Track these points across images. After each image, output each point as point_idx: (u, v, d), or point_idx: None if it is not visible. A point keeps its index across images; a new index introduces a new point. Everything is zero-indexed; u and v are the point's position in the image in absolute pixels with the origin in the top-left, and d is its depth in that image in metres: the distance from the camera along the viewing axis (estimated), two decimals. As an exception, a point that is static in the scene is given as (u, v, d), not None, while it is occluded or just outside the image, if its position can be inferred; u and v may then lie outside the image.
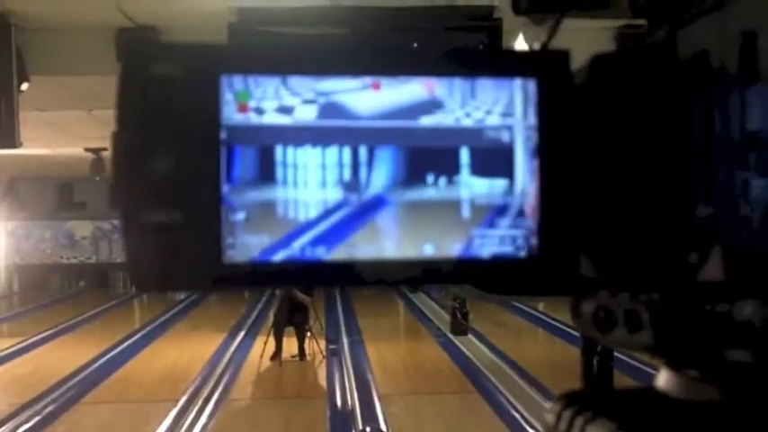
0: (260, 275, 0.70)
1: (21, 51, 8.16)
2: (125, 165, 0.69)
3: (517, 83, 0.74)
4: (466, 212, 0.73)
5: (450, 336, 14.04)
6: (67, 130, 14.36)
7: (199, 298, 21.44)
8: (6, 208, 23.10)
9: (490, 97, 0.74)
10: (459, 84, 0.73)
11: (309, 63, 0.72)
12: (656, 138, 0.71)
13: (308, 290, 12.63)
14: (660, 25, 0.75)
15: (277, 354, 12.21)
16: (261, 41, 0.84)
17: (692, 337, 0.66)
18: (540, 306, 16.95)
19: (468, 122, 0.73)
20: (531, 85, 0.74)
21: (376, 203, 0.72)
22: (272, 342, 12.27)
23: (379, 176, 0.72)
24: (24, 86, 8.17)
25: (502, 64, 0.75)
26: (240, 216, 0.70)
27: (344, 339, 13.85)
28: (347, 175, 0.72)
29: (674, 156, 0.71)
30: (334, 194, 0.71)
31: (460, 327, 14.22)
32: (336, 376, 11.42)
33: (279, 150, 0.71)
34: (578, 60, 0.77)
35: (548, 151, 0.73)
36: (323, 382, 11.42)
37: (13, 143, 7.84)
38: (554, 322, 14.94)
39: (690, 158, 0.70)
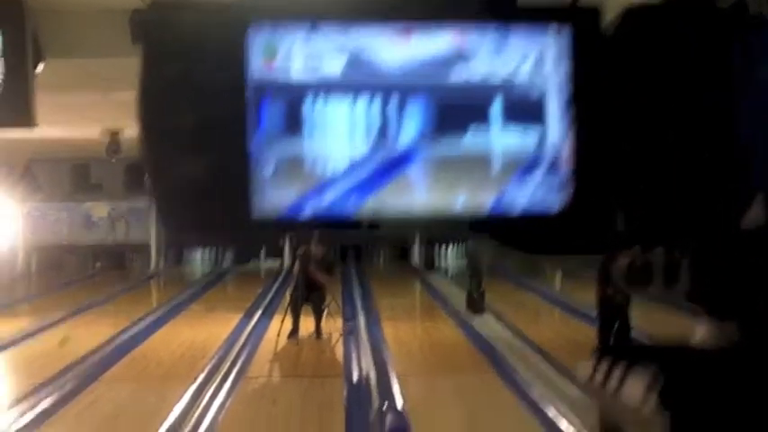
0: (290, 228, 0.70)
1: (36, 33, 8.17)
2: (155, 118, 0.68)
3: (549, 35, 0.72)
4: (497, 166, 0.72)
5: (467, 315, 14.05)
6: (83, 111, 14.39)
7: (215, 279, 21.51)
8: (23, 190, 23.19)
9: (521, 50, 0.72)
10: (490, 36, 0.72)
11: (338, 11, 0.70)
12: (692, 87, 0.70)
13: (328, 269, 12.66)
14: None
15: (294, 332, 12.25)
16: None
17: (730, 287, 0.65)
18: (557, 286, 16.95)
19: (499, 75, 0.72)
20: (563, 38, 0.72)
21: (405, 157, 0.70)
22: (289, 321, 12.30)
23: (409, 130, 0.70)
24: (40, 68, 8.18)
25: (534, 16, 0.74)
26: (268, 170, 0.69)
27: (361, 318, 13.87)
28: (376, 128, 0.70)
29: (712, 104, 0.69)
30: (363, 148, 0.70)
31: (477, 306, 14.23)
32: (353, 355, 11.44)
33: (307, 104, 0.70)
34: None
35: (580, 103, 0.72)
36: (340, 360, 11.45)
37: (30, 122, 7.87)
38: (570, 302, 14.92)
39: (728, 106, 0.68)
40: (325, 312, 12.58)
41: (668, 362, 0.70)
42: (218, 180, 0.68)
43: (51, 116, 13.62)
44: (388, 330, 12.97)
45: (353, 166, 0.71)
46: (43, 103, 8.55)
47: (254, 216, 0.69)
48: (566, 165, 0.72)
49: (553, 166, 0.73)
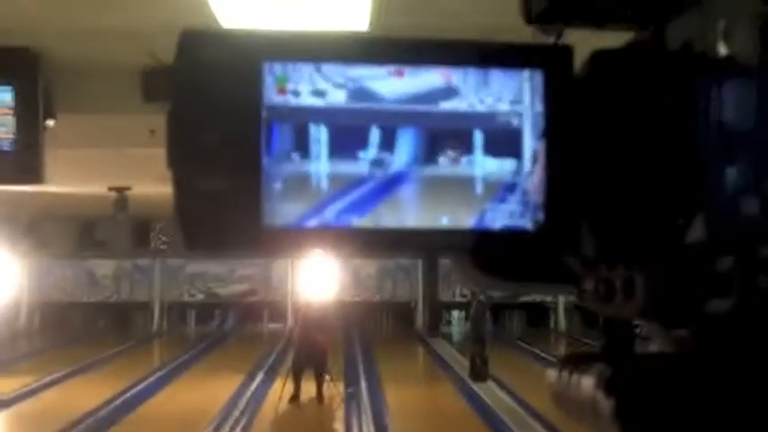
0: (295, 239, 0.79)
1: (48, 88, 8.32)
2: (179, 140, 0.78)
3: (525, 74, 0.83)
4: (479, 188, 0.82)
5: (470, 382, 13.99)
6: (92, 168, 14.53)
7: (216, 341, 21.49)
8: (28, 246, 23.29)
9: (501, 86, 0.83)
10: (473, 73, 0.83)
11: (340, 52, 0.82)
12: (648, 122, 0.80)
13: (326, 331, 12.67)
14: (648, 24, 0.85)
15: (296, 396, 12.21)
16: (298, 33, 0.93)
17: (680, 293, 0.75)
18: (562, 351, 16.89)
19: (481, 108, 0.83)
20: (538, 76, 0.83)
21: (398, 178, 0.81)
22: (290, 384, 12.27)
23: (402, 154, 0.81)
24: (50, 123, 8.29)
25: (512, 56, 0.85)
26: (278, 186, 0.79)
27: (363, 383, 13.83)
28: (374, 152, 0.81)
29: (664, 138, 0.80)
30: (362, 169, 0.80)
31: (480, 373, 14.16)
32: (354, 421, 11.39)
33: (313, 128, 0.80)
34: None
35: (552, 136, 0.82)
36: (340, 426, 11.40)
37: (40, 178, 7.96)
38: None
39: (676, 139, 0.79)
40: (327, 377, 12.54)
41: (619, 360, 0.80)
42: (234, 193, 0.78)
43: (59, 172, 13.75)
44: (391, 396, 12.92)
45: (354, 185, 0.81)
46: (52, 159, 8.65)
47: (263, 226, 0.79)
48: (539, 188, 0.83)
49: (529, 189, 0.83)
